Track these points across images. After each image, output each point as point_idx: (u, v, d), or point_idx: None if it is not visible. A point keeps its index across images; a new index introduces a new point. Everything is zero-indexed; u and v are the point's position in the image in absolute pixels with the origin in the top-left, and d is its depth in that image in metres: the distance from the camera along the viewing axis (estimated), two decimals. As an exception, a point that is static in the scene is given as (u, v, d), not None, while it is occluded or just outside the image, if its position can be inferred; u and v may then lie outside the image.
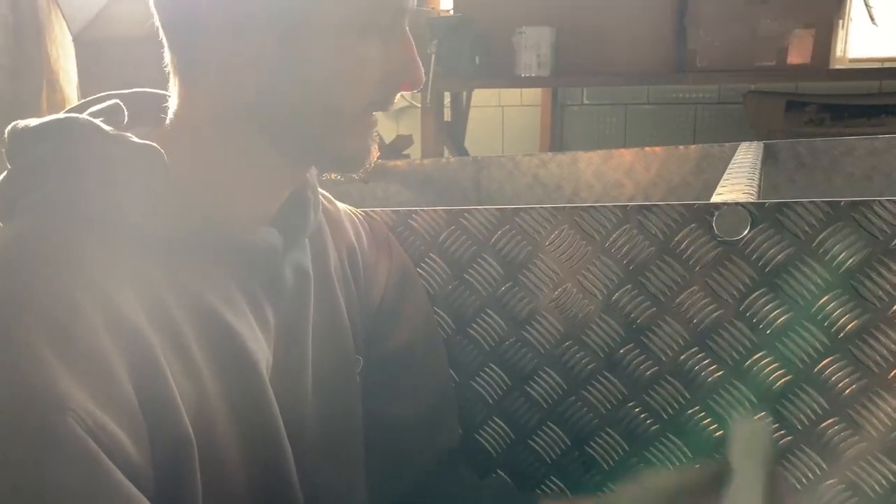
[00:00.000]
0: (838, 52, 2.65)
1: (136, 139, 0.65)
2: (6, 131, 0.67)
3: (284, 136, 0.68)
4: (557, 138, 3.53)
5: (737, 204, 0.82)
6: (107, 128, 0.65)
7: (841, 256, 0.79)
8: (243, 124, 0.68)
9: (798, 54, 2.52)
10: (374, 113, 0.71)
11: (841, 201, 0.79)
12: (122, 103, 0.70)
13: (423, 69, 0.70)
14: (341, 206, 0.90)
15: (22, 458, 0.50)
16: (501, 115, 3.65)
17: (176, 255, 0.64)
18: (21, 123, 0.66)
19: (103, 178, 0.63)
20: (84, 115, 0.66)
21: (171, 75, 0.69)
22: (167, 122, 0.70)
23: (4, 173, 0.66)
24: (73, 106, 0.72)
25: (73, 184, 0.62)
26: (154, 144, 0.64)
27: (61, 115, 0.66)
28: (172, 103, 0.70)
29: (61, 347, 0.54)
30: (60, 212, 0.61)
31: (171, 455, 0.58)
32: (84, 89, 2.55)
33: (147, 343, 0.59)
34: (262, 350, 0.70)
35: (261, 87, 0.66)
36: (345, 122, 0.68)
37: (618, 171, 1.67)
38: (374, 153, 0.72)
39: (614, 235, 0.86)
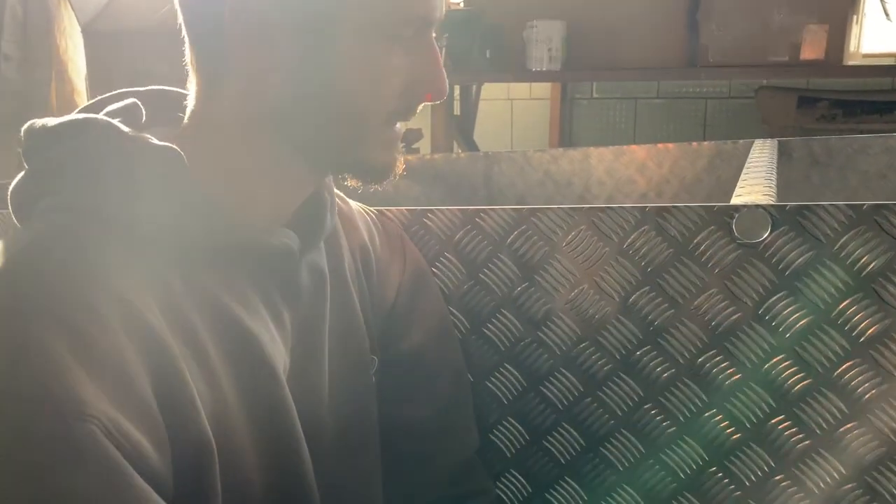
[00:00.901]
0: (852, 47, 2.63)
1: (155, 140, 0.64)
2: (22, 130, 0.67)
3: (307, 142, 0.68)
4: (566, 132, 3.51)
5: (757, 206, 0.81)
6: (125, 128, 0.64)
7: (863, 260, 0.78)
8: (266, 127, 0.67)
9: (811, 50, 2.50)
10: (398, 123, 0.70)
11: (864, 205, 0.78)
12: (139, 102, 0.70)
13: (447, 80, 0.69)
14: (354, 204, 0.89)
15: (43, 465, 0.50)
16: (510, 109, 3.64)
17: (194, 258, 0.64)
18: (38, 123, 0.66)
19: (122, 181, 0.62)
20: (101, 116, 0.66)
21: (191, 73, 0.68)
22: (185, 121, 0.69)
23: (21, 174, 0.66)
24: (89, 104, 0.71)
25: (91, 186, 0.62)
26: (174, 146, 0.64)
27: (79, 115, 0.66)
28: (191, 102, 0.69)
29: (81, 352, 0.53)
30: (78, 215, 0.61)
31: (191, 459, 0.58)
32: (93, 80, 2.55)
33: (166, 347, 0.58)
34: (279, 353, 0.69)
35: (284, 91, 0.65)
36: (368, 131, 0.68)
37: (630, 168, 1.65)
38: (400, 165, 0.71)
39: (632, 237, 0.85)
